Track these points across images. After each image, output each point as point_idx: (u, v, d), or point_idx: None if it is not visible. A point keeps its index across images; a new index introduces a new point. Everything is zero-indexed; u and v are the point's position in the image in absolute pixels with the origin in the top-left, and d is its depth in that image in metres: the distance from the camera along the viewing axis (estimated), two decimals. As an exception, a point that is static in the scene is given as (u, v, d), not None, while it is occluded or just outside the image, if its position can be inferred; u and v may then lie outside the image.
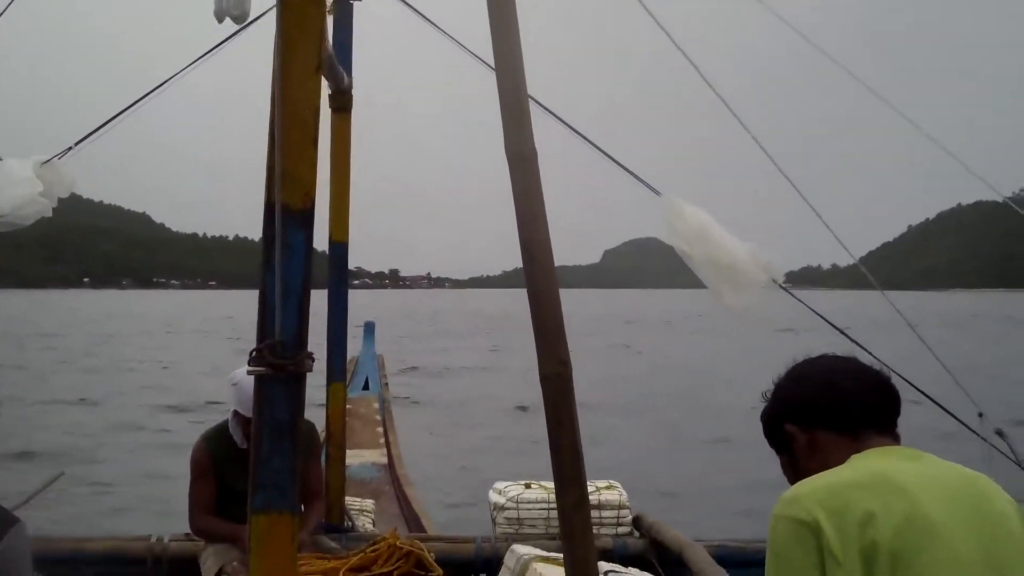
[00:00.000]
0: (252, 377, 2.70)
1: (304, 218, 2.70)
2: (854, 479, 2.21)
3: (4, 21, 5.58)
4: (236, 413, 5.78)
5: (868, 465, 2.28)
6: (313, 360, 2.75)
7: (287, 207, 2.66)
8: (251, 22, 3.93)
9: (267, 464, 2.67)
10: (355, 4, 6.54)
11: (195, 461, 5.96)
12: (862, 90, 5.50)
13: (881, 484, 2.18)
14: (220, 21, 2.30)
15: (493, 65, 3.55)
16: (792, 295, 5.50)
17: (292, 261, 2.67)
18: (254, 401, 2.70)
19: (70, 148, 6.12)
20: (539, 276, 3.38)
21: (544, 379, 3.36)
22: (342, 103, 6.68)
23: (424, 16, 6.14)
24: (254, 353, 2.67)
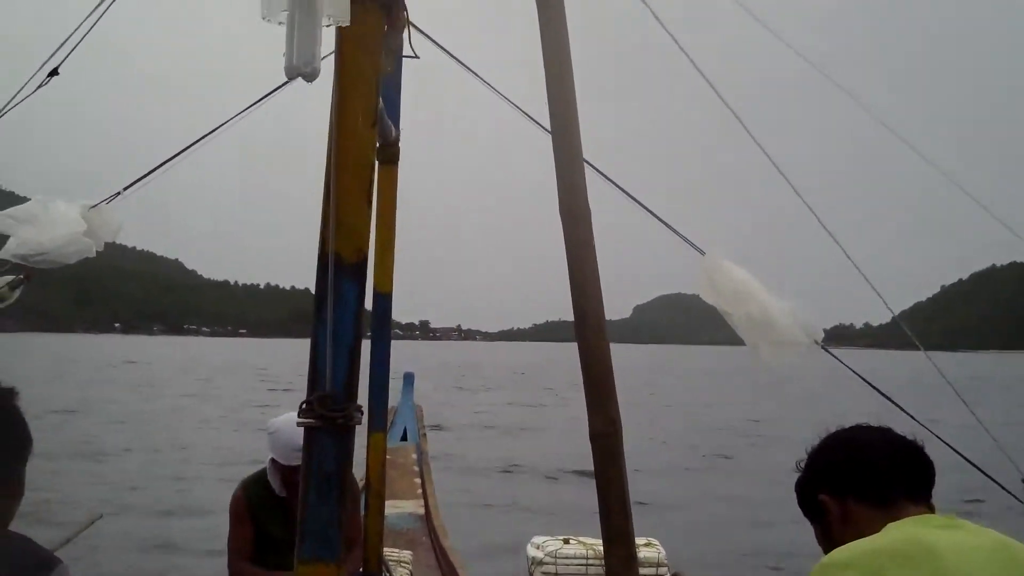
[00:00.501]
0: (290, 425, 2.72)
1: (357, 270, 2.72)
2: (889, 547, 2.21)
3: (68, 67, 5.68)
4: (274, 461, 5.80)
5: (903, 533, 2.27)
6: (362, 413, 2.77)
7: (340, 258, 2.68)
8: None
9: (315, 515, 2.67)
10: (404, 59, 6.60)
11: (234, 508, 5.98)
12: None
13: (916, 551, 2.17)
14: (291, 79, 2.33)
15: (546, 124, 3.59)
16: (834, 356, 5.47)
17: (344, 312, 2.69)
18: (303, 452, 2.71)
19: (119, 193, 6.18)
20: (590, 336, 3.40)
21: (594, 438, 3.37)
22: (389, 155, 6.72)
23: (482, 78, 6.15)
24: (304, 405, 2.69)
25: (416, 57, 5.57)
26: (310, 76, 2.34)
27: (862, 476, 2.47)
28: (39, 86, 5.65)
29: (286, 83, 6.14)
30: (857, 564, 2.16)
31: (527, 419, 41.16)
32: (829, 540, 2.47)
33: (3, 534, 2.68)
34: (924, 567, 2.13)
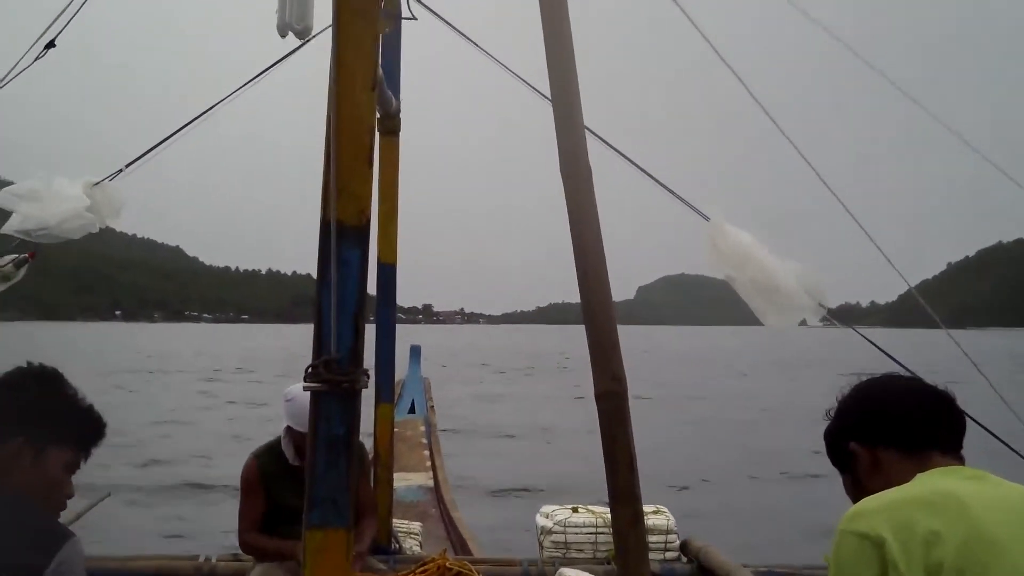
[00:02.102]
0: (307, 393, 2.72)
1: (360, 235, 2.72)
2: (919, 497, 2.20)
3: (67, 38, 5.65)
4: (289, 429, 5.79)
5: (933, 483, 2.26)
6: (368, 377, 2.77)
7: (342, 224, 2.69)
8: (311, 39, 3.94)
9: (323, 480, 2.68)
10: (403, 27, 6.58)
11: (245, 478, 5.97)
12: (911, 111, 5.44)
13: (945, 503, 2.16)
14: (283, 35, 2.33)
15: (529, 83, 3.57)
16: (834, 322, 5.42)
17: (348, 278, 2.69)
18: (310, 417, 2.72)
19: (120, 170, 6.17)
20: (594, 294, 3.40)
21: (599, 397, 3.37)
22: (390, 126, 6.74)
23: (478, 45, 6.10)
24: (310, 369, 2.69)
25: (414, 19, 5.55)
26: (301, 33, 2.34)
27: (894, 425, 2.45)
28: (36, 58, 5.63)
29: (287, 55, 6.14)
30: (886, 512, 2.16)
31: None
32: (859, 489, 2.45)
33: (20, 506, 2.70)
34: (952, 517, 2.12)
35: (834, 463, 2.61)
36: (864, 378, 2.63)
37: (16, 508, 2.67)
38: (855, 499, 2.39)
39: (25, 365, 2.83)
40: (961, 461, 2.42)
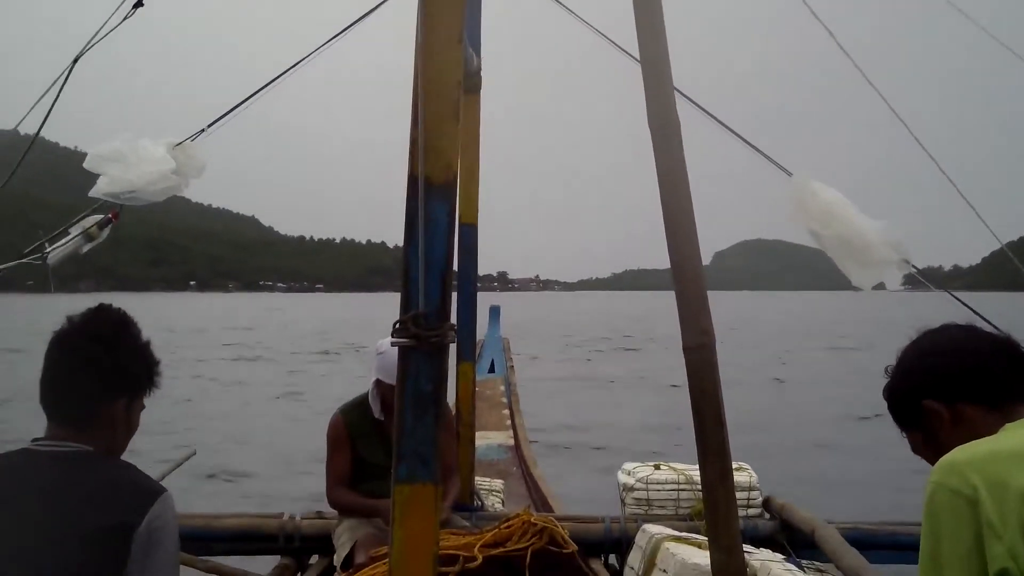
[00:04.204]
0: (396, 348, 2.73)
1: (446, 191, 2.73)
2: (1013, 449, 2.12)
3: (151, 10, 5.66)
4: (378, 382, 5.83)
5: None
6: (455, 332, 2.78)
7: (429, 180, 2.69)
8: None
9: (411, 435, 2.69)
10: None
11: (332, 433, 6.03)
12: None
13: None
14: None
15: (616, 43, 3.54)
16: (924, 283, 5.32)
17: (435, 234, 2.69)
18: (398, 373, 2.73)
19: (202, 130, 6.18)
20: (682, 248, 3.38)
21: (687, 350, 3.36)
22: (471, 85, 6.72)
23: (564, 5, 6.06)
24: (397, 325, 2.71)
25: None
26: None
27: (973, 378, 2.37)
28: (124, 18, 5.64)
29: (371, 11, 6.13)
30: (979, 466, 2.08)
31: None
32: (935, 446, 2.37)
33: (115, 463, 2.75)
34: None
35: (900, 422, 2.54)
36: (923, 331, 2.56)
37: (108, 465, 2.72)
38: (932, 456, 2.32)
39: (95, 308, 2.86)
40: None
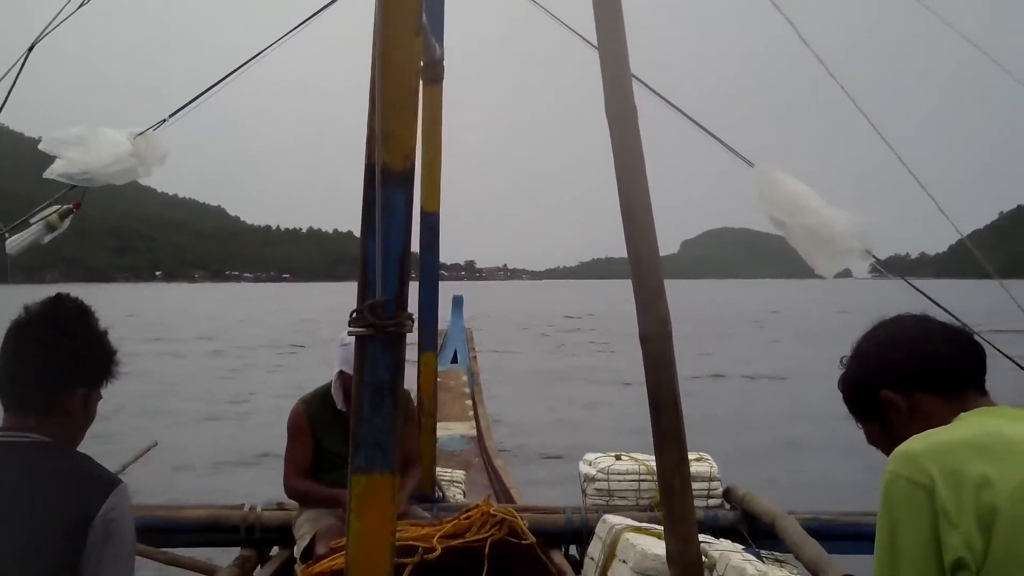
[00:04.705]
0: None
1: (404, 179, 2.71)
2: (968, 438, 2.13)
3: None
4: (341, 374, 5.84)
5: (980, 424, 2.20)
6: (413, 321, 2.77)
7: (387, 168, 2.68)
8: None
9: (368, 424, 2.69)
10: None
11: (292, 423, 6.03)
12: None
13: (995, 445, 2.10)
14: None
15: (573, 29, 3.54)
16: (883, 272, 5.34)
17: (393, 222, 2.68)
18: (355, 362, 2.72)
19: (164, 120, 6.15)
20: (639, 237, 3.39)
21: (644, 339, 3.36)
22: (434, 74, 6.71)
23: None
24: (355, 314, 2.70)
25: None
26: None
27: (929, 368, 2.39)
28: (81, 4, 5.59)
29: (330, 3, 6.11)
30: (934, 455, 2.10)
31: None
32: (892, 436, 2.37)
33: (72, 454, 2.73)
34: (1003, 460, 2.06)
35: (856, 412, 2.55)
36: (878, 322, 2.57)
37: (65, 456, 2.70)
38: (887, 446, 2.33)
39: (54, 298, 2.84)
40: (991, 401, 2.38)
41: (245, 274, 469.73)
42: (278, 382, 28.95)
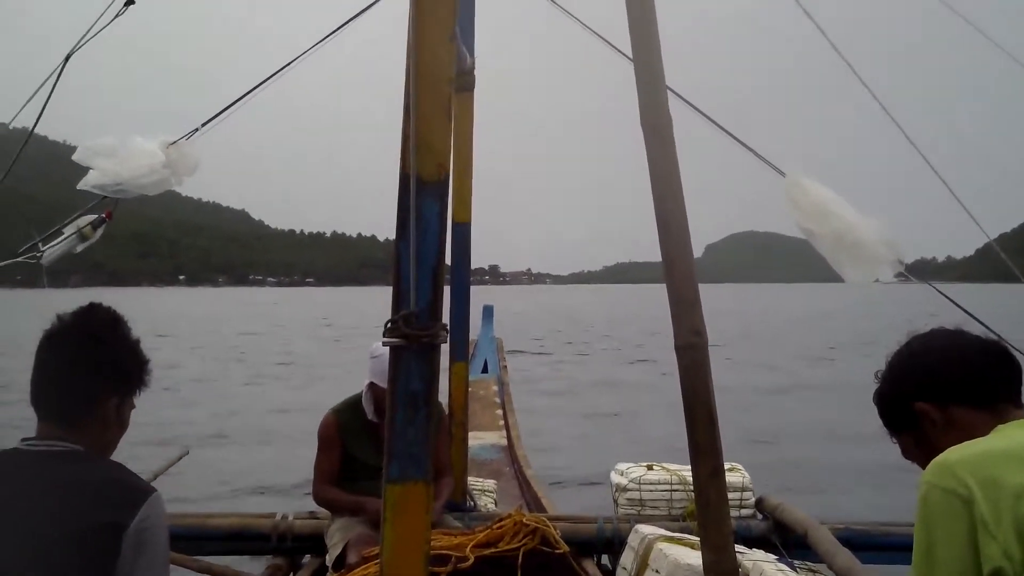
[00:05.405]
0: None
1: (438, 189, 2.71)
2: (1005, 449, 2.13)
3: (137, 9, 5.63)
4: (372, 385, 5.85)
5: (1017, 436, 2.20)
6: (447, 332, 2.76)
7: (421, 178, 2.67)
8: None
9: (402, 435, 2.68)
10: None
11: (323, 432, 6.05)
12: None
13: None
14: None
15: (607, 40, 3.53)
16: (909, 277, 5.30)
17: (426, 232, 2.68)
18: (389, 372, 2.72)
19: (196, 129, 6.17)
20: (674, 249, 3.38)
21: (679, 349, 3.35)
22: (465, 83, 6.71)
23: (556, 3, 6.02)
24: (389, 324, 2.69)
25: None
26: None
27: (965, 380, 2.39)
28: (116, 15, 5.62)
29: (363, 11, 6.12)
30: (972, 466, 2.09)
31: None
32: (927, 448, 2.38)
33: (105, 462, 2.74)
34: None
35: (891, 426, 2.55)
36: (912, 335, 2.56)
37: (98, 465, 2.71)
38: (923, 461, 2.33)
39: (87, 307, 2.85)
40: None
41: (268, 278, 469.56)
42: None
